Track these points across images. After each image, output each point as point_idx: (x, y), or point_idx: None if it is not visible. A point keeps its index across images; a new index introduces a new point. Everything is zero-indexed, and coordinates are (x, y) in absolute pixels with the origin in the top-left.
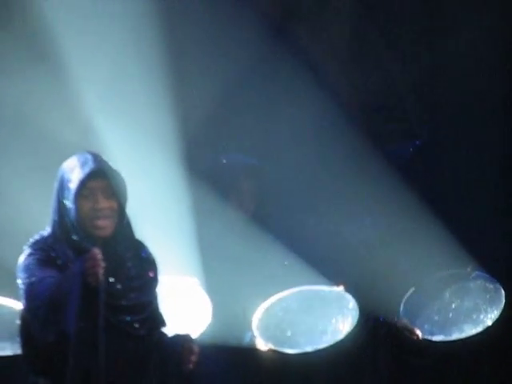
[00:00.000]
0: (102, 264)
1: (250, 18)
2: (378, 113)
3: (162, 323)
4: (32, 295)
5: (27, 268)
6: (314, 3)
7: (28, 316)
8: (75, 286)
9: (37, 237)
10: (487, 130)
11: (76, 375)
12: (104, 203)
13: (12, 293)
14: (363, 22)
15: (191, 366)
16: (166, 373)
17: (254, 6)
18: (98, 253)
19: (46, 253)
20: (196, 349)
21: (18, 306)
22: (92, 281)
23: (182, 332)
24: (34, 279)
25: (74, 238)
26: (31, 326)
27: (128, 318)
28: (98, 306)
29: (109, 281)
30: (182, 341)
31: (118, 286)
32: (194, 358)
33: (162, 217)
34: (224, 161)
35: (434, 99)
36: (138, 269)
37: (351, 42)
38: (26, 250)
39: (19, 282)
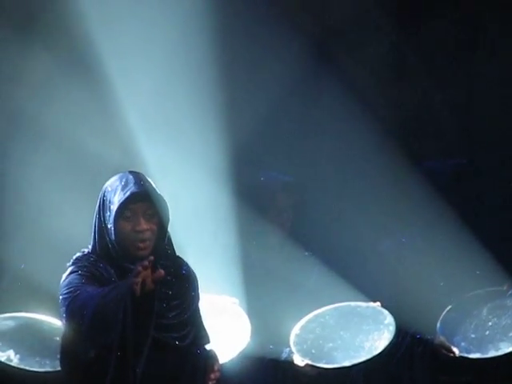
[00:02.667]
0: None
1: (293, 38)
2: (415, 131)
3: (205, 340)
4: (75, 307)
5: (70, 284)
6: (354, 22)
7: (70, 331)
8: (125, 295)
9: (79, 254)
10: None
11: None
12: (145, 225)
13: (52, 311)
14: (403, 42)
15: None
16: None
17: (296, 25)
18: (148, 261)
19: (88, 269)
20: (217, 367)
21: (58, 322)
22: (144, 288)
23: (207, 348)
24: (78, 292)
25: (114, 257)
26: (73, 340)
27: (168, 335)
28: (150, 316)
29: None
30: (205, 357)
31: (158, 305)
32: (213, 376)
33: (203, 235)
34: (262, 178)
35: (471, 121)
36: (178, 287)
37: (390, 61)
38: (69, 267)
39: (61, 297)
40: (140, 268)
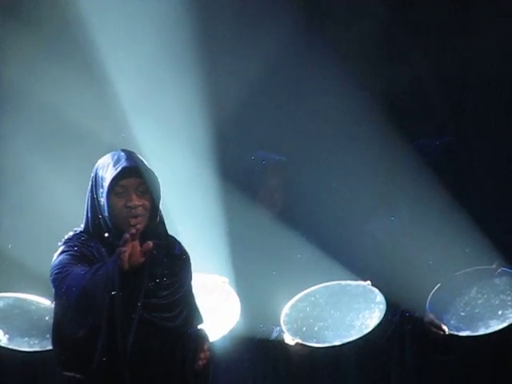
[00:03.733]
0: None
1: (278, 14)
2: (404, 110)
3: (198, 320)
4: (64, 287)
5: (60, 263)
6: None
7: (59, 311)
8: (112, 271)
9: (71, 233)
10: None
11: (103, 365)
12: (137, 201)
13: (40, 291)
14: (391, 19)
15: (200, 363)
16: (184, 368)
17: (282, 1)
18: (136, 229)
19: (79, 249)
20: (207, 346)
21: (46, 302)
22: (132, 262)
23: (198, 328)
24: (66, 273)
25: (107, 235)
26: (62, 321)
27: (160, 315)
28: (139, 291)
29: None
30: (195, 337)
31: (149, 284)
32: (203, 356)
33: (191, 214)
34: (252, 158)
35: (462, 98)
36: (170, 266)
37: (379, 38)
38: (60, 247)
39: (51, 278)
40: (127, 235)
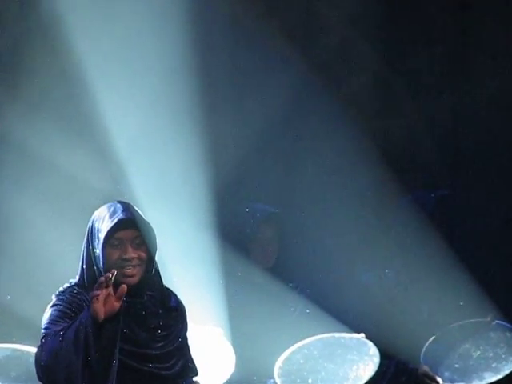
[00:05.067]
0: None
1: (276, 69)
2: (399, 161)
3: (193, 372)
4: (40, 351)
5: (47, 319)
6: (339, 52)
7: (38, 371)
8: (85, 325)
9: (66, 285)
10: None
11: None
12: (133, 252)
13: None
14: (386, 71)
15: None
16: None
17: (277, 56)
18: (111, 273)
19: (69, 303)
20: None
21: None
22: (106, 309)
23: (193, 380)
24: (48, 331)
25: None
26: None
27: (155, 366)
28: (114, 340)
29: (133, 330)
30: None
31: (144, 335)
32: None
33: (188, 266)
34: (246, 209)
35: (457, 150)
36: (165, 318)
37: (373, 92)
38: (53, 300)
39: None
40: (102, 279)
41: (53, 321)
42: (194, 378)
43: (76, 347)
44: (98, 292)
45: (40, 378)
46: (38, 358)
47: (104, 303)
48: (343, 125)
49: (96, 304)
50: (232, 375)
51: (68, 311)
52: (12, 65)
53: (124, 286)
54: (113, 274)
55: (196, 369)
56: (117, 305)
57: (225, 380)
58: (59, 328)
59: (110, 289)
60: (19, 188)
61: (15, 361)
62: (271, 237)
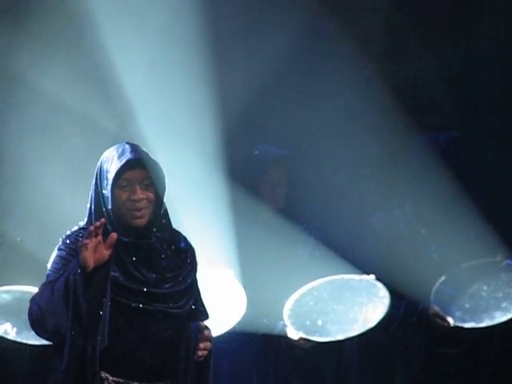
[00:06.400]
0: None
1: (285, 12)
2: (409, 104)
3: (204, 316)
4: (34, 300)
5: (50, 265)
6: None
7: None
8: (74, 274)
9: (73, 229)
10: None
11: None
12: (141, 194)
13: None
14: (397, 15)
15: (200, 353)
16: (186, 357)
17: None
18: (100, 223)
19: (71, 250)
20: (207, 336)
21: None
22: (95, 257)
23: (199, 321)
24: (45, 281)
25: (109, 228)
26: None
27: (164, 305)
28: (105, 289)
29: (141, 271)
30: (196, 328)
31: (153, 276)
32: (203, 346)
33: (197, 208)
34: (256, 152)
35: (466, 92)
36: (175, 259)
37: (384, 34)
38: (59, 243)
39: None
40: (92, 228)
41: (53, 268)
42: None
43: (65, 297)
44: (87, 241)
45: (32, 326)
46: (31, 307)
47: (94, 251)
48: (354, 66)
49: (85, 253)
50: (243, 316)
51: (70, 257)
52: (24, 6)
53: (113, 234)
54: (101, 223)
55: (206, 312)
56: (106, 253)
57: (236, 321)
58: (57, 276)
59: (100, 237)
60: (30, 130)
61: (25, 303)
62: (280, 179)
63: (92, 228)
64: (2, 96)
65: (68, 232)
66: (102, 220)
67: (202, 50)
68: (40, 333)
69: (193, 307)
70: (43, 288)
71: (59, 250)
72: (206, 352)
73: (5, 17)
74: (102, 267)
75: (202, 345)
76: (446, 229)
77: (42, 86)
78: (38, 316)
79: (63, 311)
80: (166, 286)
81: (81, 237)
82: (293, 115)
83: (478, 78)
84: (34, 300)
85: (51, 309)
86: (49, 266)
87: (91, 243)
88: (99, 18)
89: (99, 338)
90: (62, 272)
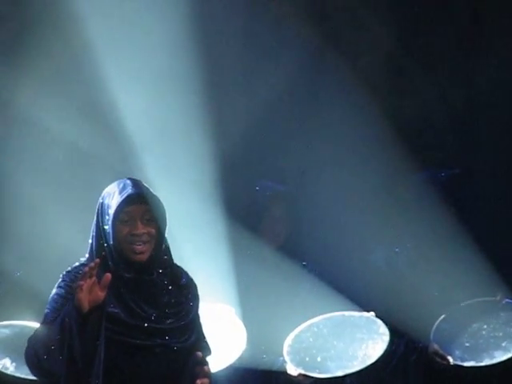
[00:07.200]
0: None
1: (287, 46)
2: (412, 140)
3: (206, 352)
4: (29, 342)
5: (48, 303)
6: (351, 29)
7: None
8: (69, 317)
9: (74, 265)
10: None
11: None
12: (142, 228)
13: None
14: (401, 50)
15: None
16: None
17: (293, 30)
18: (94, 263)
19: (71, 289)
20: (205, 374)
21: None
22: (90, 299)
23: (198, 356)
24: (47, 315)
25: (110, 264)
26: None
27: (166, 341)
28: (99, 328)
29: (142, 307)
30: (195, 363)
31: (155, 312)
32: (200, 383)
33: (199, 243)
34: (256, 188)
35: (469, 129)
36: (176, 295)
37: (388, 69)
38: (59, 280)
39: None
40: (87, 269)
41: (51, 307)
42: (207, 358)
43: (61, 340)
44: (82, 282)
45: (28, 367)
46: (27, 349)
47: (89, 293)
48: (356, 101)
49: (80, 294)
50: (243, 352)
51: (68, 296)
52: (24, 41)
53: (108, 275)
54: (96, 264)
55: (209, 349)
56: (101, 294)
57: (235, 357)
58: (54, 316)
59: (94, 278)
60: (28, 165)
61: (25, 338)
62: (281, 215)
63: (87, 269)
64: (3, 129)
65: (69, 268)
66: (97, 261)
67: (201, 84)
68: (36, 374)
69: (194, 341)
70: (39, 330)
71: (58, 287)
72: None
73: (5, 52)
74: (96, 309)
75: (199, 381)
76: (446, 266)
77: (41, 121)
78: (33, 359)
79: (58, 354)
80: (168, 321)
81: (81, 274)
82: (293, 150)
83: (480, 115)
84: (30, 342)
85: (46, 352)
86: (46, 307)
87: (86, 284)
88: (100, 54)
89: (95, 380)
90: (59, 312)
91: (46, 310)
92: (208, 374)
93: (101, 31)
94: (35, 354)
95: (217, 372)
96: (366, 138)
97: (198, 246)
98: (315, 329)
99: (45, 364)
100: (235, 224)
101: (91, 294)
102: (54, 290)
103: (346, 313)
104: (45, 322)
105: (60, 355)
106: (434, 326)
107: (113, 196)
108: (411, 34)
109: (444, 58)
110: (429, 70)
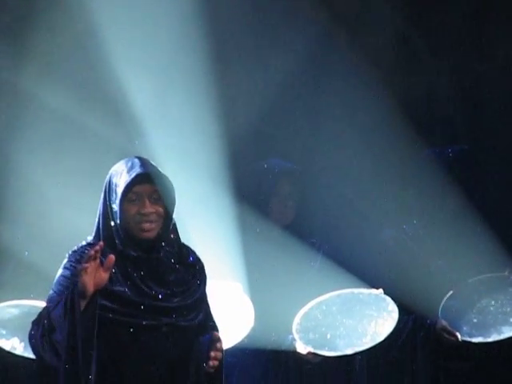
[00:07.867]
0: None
1: (295, 25)
2: (420, 118)
3: (213, 330)
4: (33, 324)
5: (55, 283)
6: (360, 9)
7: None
8: (71, 302)
9: (81, 244)
10: None
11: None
12: (150, 207)
13: None
14: (408, 28)
15: (211, 364)
16: (197, 369)
17: (300, 12)
18: (99, 246)
19: (76, 270)
20: (219, 347)
21: None
22: (95, 281)
23: (211, 333)
24: (52, 297)
25: (117, 242)
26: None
27: (173, 319)
28: (94, 313)
29: (150, 285)
30: (207, 339)
31: (162, 290)
32: (214, 355)
33: (206, 222)
34: (265, 165)
35: (479, 107)
36: (183, 274)
37: (397, 48)
38: (65, 260)
39: None
40: (92, 252)
41: (57, 289)
42: None
43: (63, 323)
44: (87, 265)
45: (31, 349)
46: (30, 331)
47: (93, 275)
48: (364, 79)
49: (85, 276)
50: (251, 330)
51: (74, 278)
52: (31, 24)
53: (112, 256)
54: (101, 247)
55: (216, 327)
56: (105, 276)
57: (245, 335)
58: (58, 300)
59: (98, 261)
60: (35, 146)
61: (33, 317)
62: (289, 193)
63: (92, 252)
64: (10, 111)
65: (75, 248)
66: (101, 243)
67: (210, 63)
68: (37, 356)
69: (201, 320)
70: (43, 313)
71: (64, 268)
72: (216, 362)
73: (11, 34)
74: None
75: (212, 353)
76: (454, 243)
77: (49, 101)
78: (36, 342)
79: (60, 335)
80: (175, 300)
81: (86, 254)
82: (301, 128)
83: (489, 92)
84: (33, 325)
85: (48, 334)
86: (53, 286)
87: (90, 267)
88: (106, 35)
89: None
90: (64, 295)
91: (51, 292)
92: (221, 350)
93: (109, 13)
94: (37, 338)
95: (225, 350)
96: (374, 116)
97: (205, 223)
98: (324, 306)
99: (47, 347)
100: (243, 202)
101: (95, 276)
102: (60, 271)
103: (355, 290)
104: (49, 304)
105: (62, 340)
106: (442, 303)
107: (121, 175)
108: (420, 13)
109: (454, 34)
110: (438, 48)
